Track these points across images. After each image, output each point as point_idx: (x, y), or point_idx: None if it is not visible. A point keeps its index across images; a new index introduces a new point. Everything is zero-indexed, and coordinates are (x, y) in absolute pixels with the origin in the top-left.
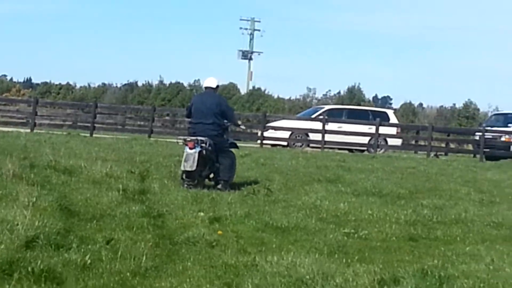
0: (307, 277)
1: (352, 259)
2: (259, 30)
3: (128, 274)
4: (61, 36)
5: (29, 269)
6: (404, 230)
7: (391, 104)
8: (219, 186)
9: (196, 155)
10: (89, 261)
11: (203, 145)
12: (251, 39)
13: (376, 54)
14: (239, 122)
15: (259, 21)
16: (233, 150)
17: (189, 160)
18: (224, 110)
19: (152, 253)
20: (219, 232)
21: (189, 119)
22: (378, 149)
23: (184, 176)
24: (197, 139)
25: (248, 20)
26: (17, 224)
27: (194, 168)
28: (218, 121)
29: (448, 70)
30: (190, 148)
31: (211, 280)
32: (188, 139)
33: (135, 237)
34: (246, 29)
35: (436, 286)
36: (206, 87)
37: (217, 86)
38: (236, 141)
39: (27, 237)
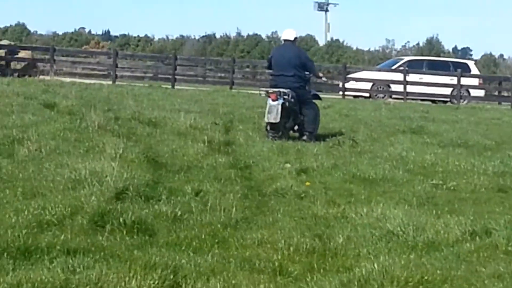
0: (398, 229)
1: (442, 211)
2: None
3: (219, 225)
4: None
5: (121, 220)
6: (492, 181)
7: (471, 55)
8: (304, 138)
9: (279, 106)
10: (179, 213)
11: (286, 97)
12: None
13: (455, 4)
14: (320, 74)
15: None
16: (316, 101)
17: (273, 112)
18: (304, 62)
19: (242, 205)
20: (307, 183)
21: (269, 71)
22: (461, 100)
23: (268, 128)
24: (279, 91)
25: None
26: (106, 176)
27: (278, 120)
28: (299, 73)
29: None
30: (273, 100)
31: (302, 232)
32: (271, 91)
33: (224, 189)
34: None
35: None
36: (284, 40)
37: (295, 38)
38: (318, 93)
39: (116, 189)
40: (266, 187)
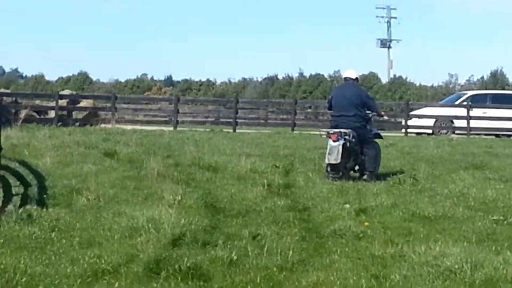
0: (456, 266)
1: (502, 247)
2: (395, 18)
3: (274, 269)
4: (200, 33)
5: (176, 266)
6: None
7: None
8: (365, 177)
9: (340, 147)
10: (235, 257)
11: (347, 137)
12: (389, 27)
13: None
14: (382, 112)
15: (395, 9)
16: (377, 140)
17: (333, 153)
18: (365, 101)
19: (299, 247)
20: (366, 223)
21: (331, 112)
22: None
23: (328, 169)
24: (340, 132)
25: (384, 8)
26: (163, 223)
27: (338, 160)
28: (360, 112)
29: None
30: (334, 141)
31: (358, 273)
32: (331, 132)
33: (281, 232)
34: (382, 17)
35: None
36: (345, 78)
37: (356, 78)
38: (380, 131)
39: (173, 235)
40: (324, 229)
